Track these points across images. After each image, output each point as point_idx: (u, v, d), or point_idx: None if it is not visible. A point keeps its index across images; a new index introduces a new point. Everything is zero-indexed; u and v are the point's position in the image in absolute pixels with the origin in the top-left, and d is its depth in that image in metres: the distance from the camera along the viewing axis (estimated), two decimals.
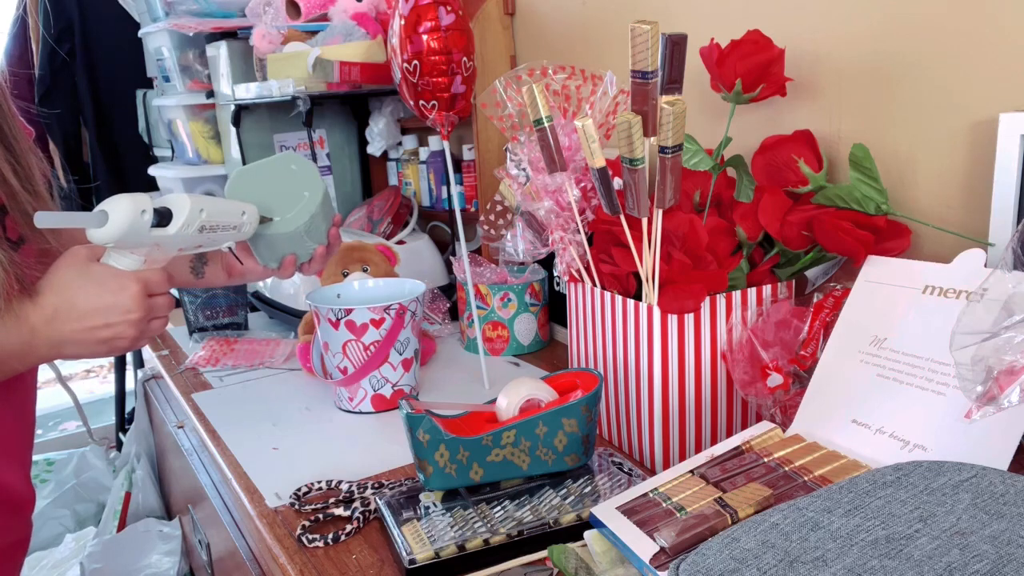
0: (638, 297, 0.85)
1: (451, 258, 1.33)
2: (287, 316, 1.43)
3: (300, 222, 0.85)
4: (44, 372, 0.82)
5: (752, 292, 0.85)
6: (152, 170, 1.95)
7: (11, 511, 0.76)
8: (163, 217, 0.69)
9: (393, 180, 1.74)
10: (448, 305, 1.44)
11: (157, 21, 1.76)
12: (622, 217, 0.84)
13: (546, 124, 0.84)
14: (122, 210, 0.65)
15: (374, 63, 1.37)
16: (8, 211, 0.70)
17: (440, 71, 1.02)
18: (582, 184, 0.91)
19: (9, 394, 0.73)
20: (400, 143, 1.67)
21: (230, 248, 0.83)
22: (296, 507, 0.84)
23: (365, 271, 1.23)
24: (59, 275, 0.67)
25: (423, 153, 1.58)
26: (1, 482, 0.74)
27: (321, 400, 1.14)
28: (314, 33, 1.47)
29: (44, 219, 0.62)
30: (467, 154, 1.50)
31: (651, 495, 0.69)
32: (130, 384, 2.37)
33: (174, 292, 1.80)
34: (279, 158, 0.88)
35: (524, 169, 0.93)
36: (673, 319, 0.81)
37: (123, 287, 0.68)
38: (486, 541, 0.71)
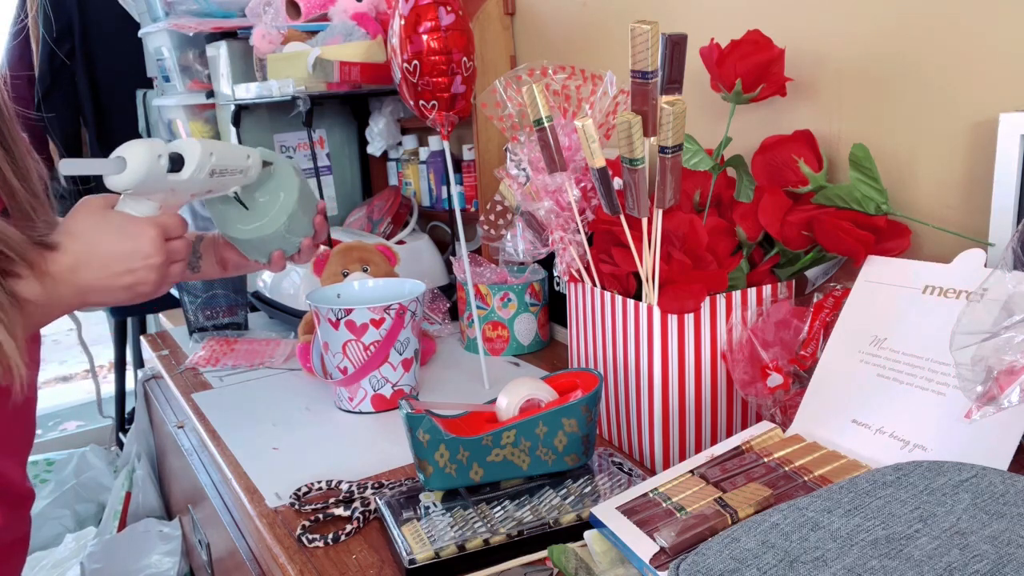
0: (638, 297, 0.85)
1: (451, 258, 1.33)
2: (287, 316, 1.43)
3: (279, 223, 0.85)
4: (44, 373, 0.82)
5: (752, 292, 0.85)
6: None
7: (15, 507, 0.77)
8: (176, 162, 0.71)
9: (393, 180, 1.74)
10: (448, 305, 1.44)
11: (157, 21, 1.76)
12: (622, 217, 0.84)
13: (546, 124, 0.84)
14: (139, 156, 0.67)
15: (374, 63, 1.37)
16: (9, 213, 0.70)
17: (440, 71, 1.02)
18: (582, 184, 0.91)
19: (9, 391, 0.74)
20: (400, 143, 1.67)
21: (236, 193, 0.84)
22: (296, 507, 0.84)
23: (365, 271, 1.23)
24: (77, 224, 0.68)
25: (423, 153, 1.58)
26: (6, 478, 0.75)
27: (321, 400, 1.14)
28: (314, 33, 1.47)
29: (68, 166, 0.64)
30: (467, 154, 1.50)
31: (651, 495, 0.69)
32: (130, 384, 2.37)
33: (173, 291, 1.80)
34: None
35: (524, 169, 0.93)
36: (673, 319, 0.81)
37: (142, 232, 0.69)
38: (486, 541, 0.71)
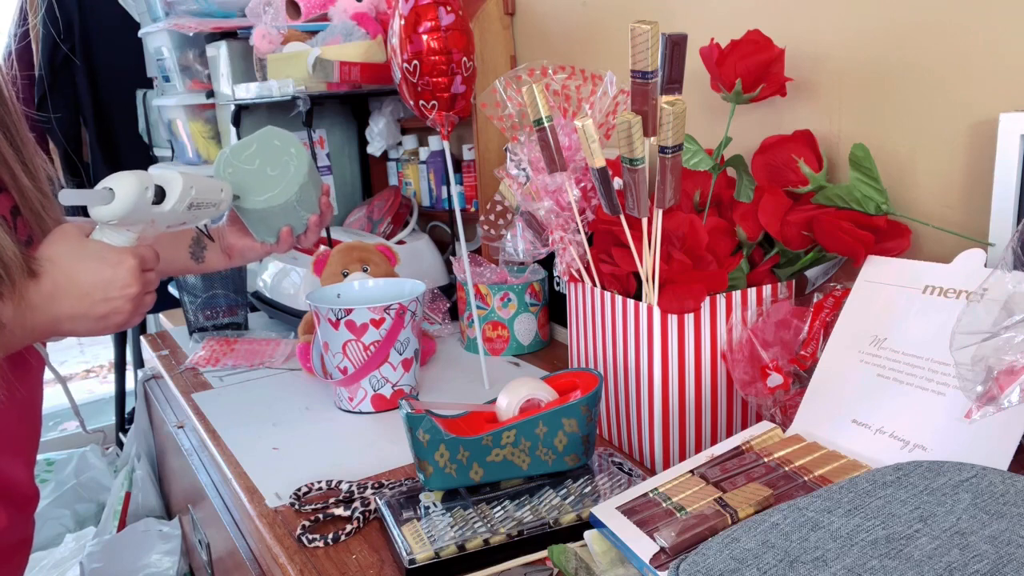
0: (638, 297, 0.85)
1: (451, 258, 1.33)
2: (287, 316, 1.43)
3: (291, 193, 0.86)
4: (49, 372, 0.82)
5: (752, 292, 0.85)
6: (152, 170, 1.95)
7: (19, 508, 0.77)
8: (159, 194, 0.71)
9: (393, 180, 1.74)
10: (448, 305, 1.44)
11: (157, 21, 1.76)
12: (622, 217, 0.84)
13: (546, 124, 0.84)
14: (128, 187, 0.67)
15: (374, 63, 1.37)
16: (20, 211, 0.70)
17: (440, 71, 1.02)
18: (582, 184, 0.91)
19: (17, 392, 0.74)
20: (400, 143, 1.67)
21: (205, 226, 0.85)
22: (296, 507, 0.84)
23: (365, 271, 1.23)
24: (54, 251, 0.67)
25: (423, 153, 1.58)
26: (10, 478, 0.74)
27: (321, 400, 1.14)
28: (314, 33, 1.47)
29: (67, 196, 0.65)
30: (467, 154, 1.50)
31: (651, 495, 0.69)
32: (130, 384, 2.37)
33: (173, 291, 1.80)
34: (261, 135, 0.89)
35: (524, 169, 0.93)
36: (673, 319, 0.81)
37: (121, 261, 0.68)
38: (486, 541, 0.71)
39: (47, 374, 0.81)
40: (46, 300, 0.66)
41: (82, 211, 0.70)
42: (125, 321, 0.70)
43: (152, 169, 1.93)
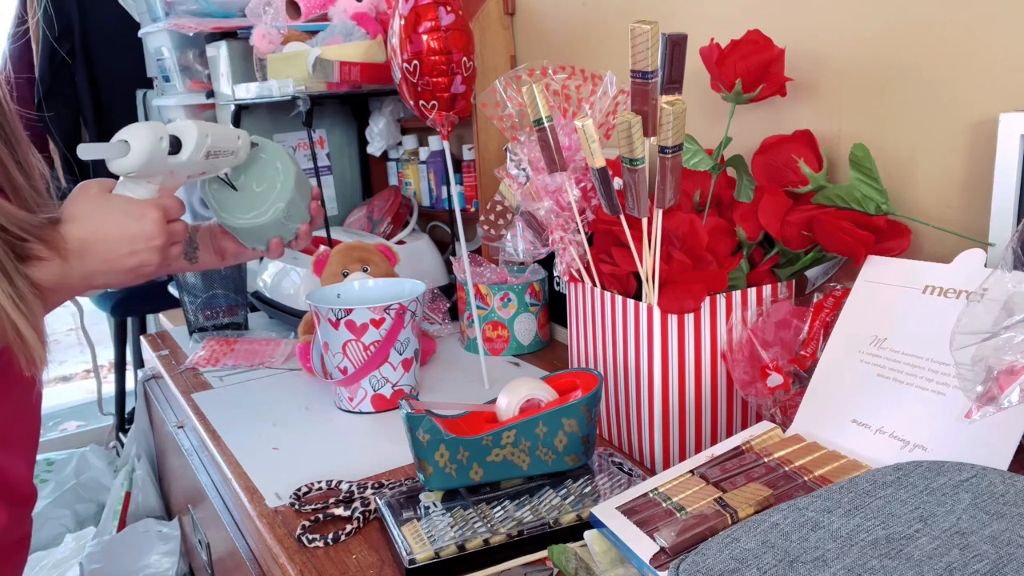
0: (638, 297, 0.85)
1: (451, 258, 1.33)
2: (287, 316, 1.43)
3: (277, 211, 0.87)
4: (44, 374, 0.82)
5: (752, 292, 0.85)
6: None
7: (19, 506, 0.77)
8: (175, 144, 0.72)
9: (393, 180, 1.75)
10: (448, 305, 1.44)
11: (157, 21, 1.76)
12: (622, 217, 0.84)
13: (546, 124, 0.84)
14: (143, 139, 0.68)
15: (374, 63, 1.37)
16: None
17: (440, 71, 1.02)
18: (582, 184, 0.91)
19: (15, 389, 0.74)
20: (400, 143, 1.67)
21: (226, 175, 0.85)
22: (296, 507, 0.84)
23: (365, 271, 1.23)
24: (78, 208, 0.69)
25: (423, 153, 1.58)
26: (11, 476, 0.75)
27: (321, 400, 1.14)
28: (314, 33, 1.47)
29: (84, 150, 0.66)
30: (467, 154, 1.50)
31: (651, 495, 0.69)
32: (130, 384, 2.37)
33: (173, 291, 1.80)
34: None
35: (524, 169, 0.93)
36: (673, 319, 0.81)
37: (145, 214, 0.71)
38: (486, 541, 0.71)
39: (45, 375, 0.81)
40: (76, 256, 0.68)
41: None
42: (153, 272, 0.73)
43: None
